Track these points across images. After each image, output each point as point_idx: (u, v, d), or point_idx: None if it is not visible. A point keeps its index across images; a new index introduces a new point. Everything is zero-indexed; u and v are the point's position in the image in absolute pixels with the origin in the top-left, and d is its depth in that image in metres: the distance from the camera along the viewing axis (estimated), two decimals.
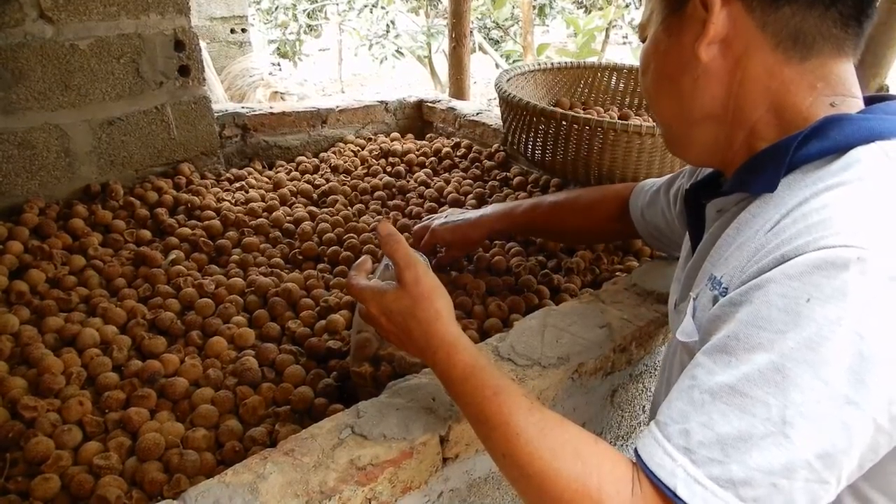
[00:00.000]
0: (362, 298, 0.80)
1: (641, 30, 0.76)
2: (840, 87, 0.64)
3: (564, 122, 1.37)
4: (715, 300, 0.63)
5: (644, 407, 1.16)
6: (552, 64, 1.83)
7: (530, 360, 0.91)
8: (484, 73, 8.17)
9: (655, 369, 1.11)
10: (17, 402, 0.97)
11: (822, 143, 0.61)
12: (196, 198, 1.64)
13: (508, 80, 1.65)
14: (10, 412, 0.98)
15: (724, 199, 0.73)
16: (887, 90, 1.32)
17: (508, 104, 1.50)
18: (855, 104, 0.65)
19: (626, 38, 8.47)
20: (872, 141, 0.59)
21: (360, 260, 0.87)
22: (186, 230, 1.51)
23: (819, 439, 0.50)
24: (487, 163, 1.93)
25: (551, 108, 1.41)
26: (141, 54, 1.65)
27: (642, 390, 1.12)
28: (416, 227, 1.37)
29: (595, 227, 1.22)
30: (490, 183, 1.81)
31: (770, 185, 0.63)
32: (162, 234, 1.54)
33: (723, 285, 0.62)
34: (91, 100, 1.60)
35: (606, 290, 1.11)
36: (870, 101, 0.68)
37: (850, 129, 0.60)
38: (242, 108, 1.98)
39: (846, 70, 0.65)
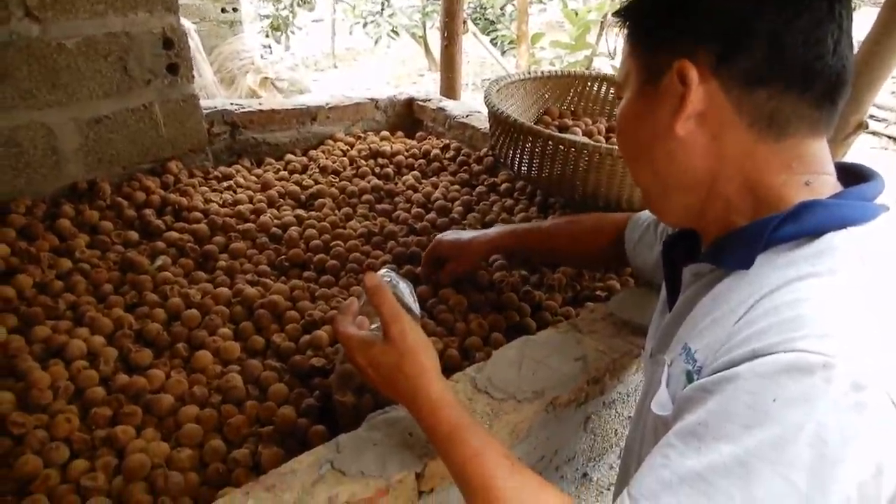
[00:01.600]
0: (349, 348, 0.83)
1: (618, 89, 0.78)
2: (814, 165, 0.66)
3: (551, 142, 1.39)
4: (688, 375, 0.66)
5: (616, 430, 1.20)
6: (542, 72, 1.84)
7: (506, 393, 0.94)
8: (477, 51, 8.09)
9: (628, 396, 1.15)
10: (5, 418, 1.00)
11: (796, 226, 0.63)
12: (183, 199, 1.65)
13: (498, 90, 1.66)
14: None
15: (700, 266, 0.75)
16: (866, 126, 1.35)
17: (496, 118, 1.51)
18: (828, 181, 0.67)
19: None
20: (844, 227, 0.62)
21: (346, 302, 0.89)
22: (174, 234, 1.52)
23: None
24: (476, 167, 1.94)
25: (538, 127, 1.42)
26: (129, 52, 1.64)
27: (615, 416, 1.16)
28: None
29: (592, 254, 1.25)
30: (478, 188, 1.83)
31: (745, 264, 0.65)
32: (149, 235, 1.55)
33: (697, 363, 0.65)
34: (78, 98, 1.59)
35: (584, 318, 1.14)
36: (840, 170, 0.70)
37: (823, 215, 0.62)
38: (231, 104, 1.98)
39: (820, 148, 0.67)
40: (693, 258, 0.78)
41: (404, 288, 1.03)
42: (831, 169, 0.68)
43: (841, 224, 0.62)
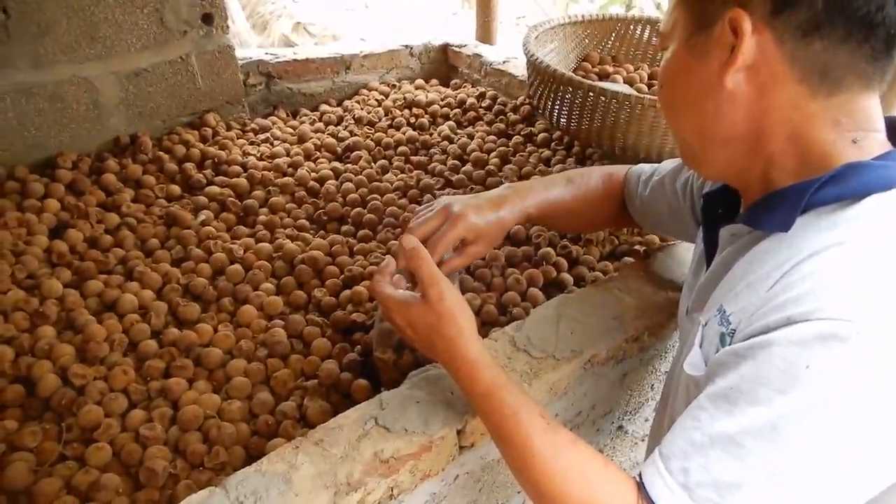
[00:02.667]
0: (387, 308, 0.84)
1: (662, 39, 0.74)
2: (864, 122, 0.64)
3: (591, 93, 1.36)
4: (721, 338, 0.65)
5: (652, 385, 1.21)
6: (581, 16, 1.77)
7: (545, 352, 0.96)
8: None
9: (665, 352, 1.16)
10: (66, 370, 1.05)
11: (838, 188, 0.61)
12: (222, 152, 1.67)
13: (536, 36, 1.61)
14: (61, 377, 1.06)
15: (738, 227, 0.73)
16: None
17: (535, 68, 1.47)
18: (877, 140, 0.65)
19: None
20: (890, 189, 0.60)
21: (384, 262, 0.90)
22: (215, 188, 1.55)
23: (807, 492, 0.54)
24: (512, 116, 1.91)
25: (578, 77, 1.38)
26: (164, 3, 1.63)
27: (651, 371, 1.17)
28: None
29: (607, 221, 1.20)
30: (514, 139, 1.80)
31: (784, 226, 0.64)
32: (191, 189, 1.57)
33: (731, 325, 0.65)
34: (117, 51, 1.60)
35: (622, 275, 1.14)
36: (890, 126, 0.67)
37: (867, 177, 0.60)
38: (266, 54, 1.96)
39: (872, 104, 0.64)
40: (731, 218, 0.76)
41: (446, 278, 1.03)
42: (881, 126, 0.65)
43: (886, 186, 0.60)
